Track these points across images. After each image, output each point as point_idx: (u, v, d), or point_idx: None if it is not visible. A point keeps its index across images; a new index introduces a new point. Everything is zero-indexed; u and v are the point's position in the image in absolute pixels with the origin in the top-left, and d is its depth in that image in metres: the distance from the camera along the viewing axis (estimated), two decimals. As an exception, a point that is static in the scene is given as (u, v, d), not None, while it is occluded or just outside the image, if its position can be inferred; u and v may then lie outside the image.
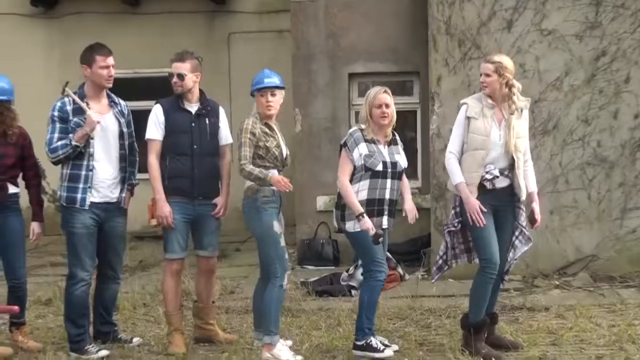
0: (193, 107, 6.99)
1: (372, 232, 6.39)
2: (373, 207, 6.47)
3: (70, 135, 6.64)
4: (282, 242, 6.63)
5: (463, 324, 6.60)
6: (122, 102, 7.16)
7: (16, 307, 6.35)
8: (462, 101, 6.65)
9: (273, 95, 6.66)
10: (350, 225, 6.45)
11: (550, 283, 9.06)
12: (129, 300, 8.56)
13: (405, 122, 10.91)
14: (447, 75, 9.60)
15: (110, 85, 6.95)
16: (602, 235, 9.44)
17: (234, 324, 7.80)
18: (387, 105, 6.55)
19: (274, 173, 6.47)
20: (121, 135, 6.95)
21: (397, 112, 10.55)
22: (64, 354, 6.84)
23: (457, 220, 6.55)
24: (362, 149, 6.45)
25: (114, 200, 6.94)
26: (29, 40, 13.54)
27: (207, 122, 7.02)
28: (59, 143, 6.65)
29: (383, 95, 6.56)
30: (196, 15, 13.52)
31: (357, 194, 6.44)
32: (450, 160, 6.52)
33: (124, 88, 12.86)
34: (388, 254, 9.35)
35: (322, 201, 10.53)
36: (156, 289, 9.03)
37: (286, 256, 6.67)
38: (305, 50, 10.74)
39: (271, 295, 6.58)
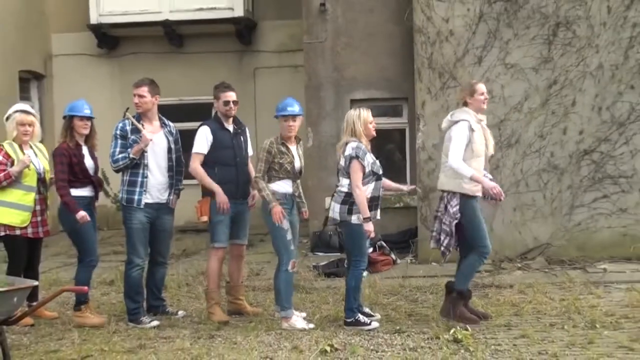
0: (231, 127, 7.03)
1: (372, 235, 6.47)
2: (373, 202, 6.47)
3: (129, 149, 6.70)
4: (289, 236, 6.67)
5: (449, 289, 6.57)
6: (171, 124, 7.20)
7: (85, 288, 6.34)
8: (460, 117, 6.49)
9: (294, 120, 6.70)
10: (356, 218, 6.41)
11: (514, 266, 9.02)
12: (174, 281, 8.55)
13: (396, 138, 10.94)
14: (429, 101, 9.58)
15: (140, 111, 6.96)
16: (555, 227, 9.39)
17: (259, 300, 7.79)
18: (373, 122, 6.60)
19: (277, 206, 6.55)
20: (169, 150, 6.99)
21: (390, 130, 10.73)
22: (123, 324, 6.85)
23: (459, 215, 6.42)
24: (369, 158, 6.44)
25: (164, 201, 6.97)
26: (95, 75, 13.58)
27: (241, 139, 7.10)
28: (120, 156, 6.75)
29: (371, 115, 6.58)
30: (229, 54, 13.52)
31: (366, 192, 6.41)
32: (458, 162, 6.39)
33: (172, 112, 13.07)
34: (383, 242, 9.44)
35: (328, 201, 10.44)
36: (197, 272, 9.04)
37: (292, 247, 6.70)
38: (315, 81, 10.74)
39: (280, 278, 6.65)
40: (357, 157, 6.37)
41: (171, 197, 7.04)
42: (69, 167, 6.77)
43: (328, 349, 5.83)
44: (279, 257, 6.70)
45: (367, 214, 6.36)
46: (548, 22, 9.37)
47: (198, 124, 7.11)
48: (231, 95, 6.98)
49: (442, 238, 6.55)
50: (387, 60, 10.60)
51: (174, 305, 7.59)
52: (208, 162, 6.89)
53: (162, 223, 7.03)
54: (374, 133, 6.58)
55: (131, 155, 6.72)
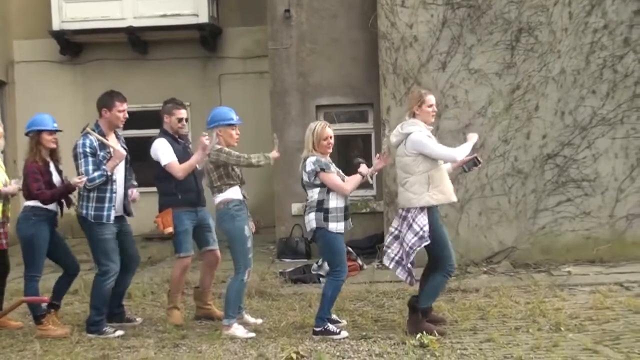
0: (179, 140, 7.11)
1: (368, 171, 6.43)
2: (345, 212, 6.41)
3: (103, 166, 6.58)
4: (249, 244, 6.61)
5: (413, 309, 6.43)
6: (121, 135, 7.09)
7: (46, 298, 6.21)
8: (411, 130, 6.31)
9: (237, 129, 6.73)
10: (333, 226, 6.32)
11: (480, 269, 9.05)
12: (139, 289, 8.44)
13: (362, 143, 10.94)
14: (395, 106, 9.58)
15: (121, 126, 6.92)
16: (519, 231, 9.44)
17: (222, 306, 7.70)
18: (331, 137, 6.47)
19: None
20: (127, 160, 6.90)
21: (356, 135, 10.71)
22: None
23: (428, 235, 6.20)
24: (333, 168, 6.40)
25: (121, 212, 6.90)
26: (58, 82, 13.41)
27: (189, 150, 7.16)
28: (96, 174, 6.58)
29: (328, 130, 6.44)
30: (193, 60, 13.43)
31: (336, 201, 6.34)
32: (450, 150, 6.34)
33: (135, 120, 12.92)
34: (349, 247, 9.41)
35: (295, 207, 10.46)
36: (162, 280, 8.93)
37: (250, 255, 6.65)
38: (281, 87, 10.70)
39: (233, 286, 6.58)
40: (322, 169, 6.29)
41: (132, 199, 6.99)
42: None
43: (294, 356, 5.77)
44: (236, 265, 6.62)
45: (362, 173, 6.36)
46: (511, 28, 9.44)
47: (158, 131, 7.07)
48: (184, 113, 7.08)
49: (404, 260, 6.38)
50: (352, 66, 10.60)
51: (138, 313, 7.49)
52: (167, 173, 6.83)
53: (124, 229, 6.97)
54: (329, 150, 6.46)
55: (108, 172, 6.60)
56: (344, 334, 6.38)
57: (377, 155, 6.78)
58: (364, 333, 6.43)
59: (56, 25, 12.95)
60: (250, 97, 13.19)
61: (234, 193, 6.57)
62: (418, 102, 6.42)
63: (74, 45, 13.42)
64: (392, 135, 6.54)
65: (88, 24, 12.90)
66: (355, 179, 6.42)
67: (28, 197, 6.73)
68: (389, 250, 6.52)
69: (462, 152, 6.37)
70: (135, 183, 7.12)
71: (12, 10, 13.45)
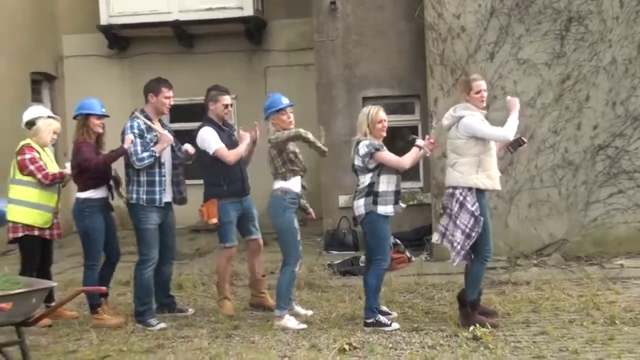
0: (224, 128, 7.17)
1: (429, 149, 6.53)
2: (395, 196, 6.42)
3: (151, 147, 6.64)
4: (299, 236, 6.64)
5: (462, 302, 6.42)
6: (168, 125, 7.24)
7: (103, 288, 6.31)
8: (464, 113, 6.35)
9: (291, 112, 6.76)
10: (382, 209, 6.35)
11: (530, 262, 8.94)
12: (190, 280, 8.55)
13: (409, 135, 10.86)
14: (442, 97, 9.52)
15: (167, 113, 7.04)
16: (570, 223, 9.32)
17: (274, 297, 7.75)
18: (385, 121, 6.53)
19: None
20: (172, 148, 6.97)
21: (402, 127, 10.66)
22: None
23: (479, 212, 6.22)
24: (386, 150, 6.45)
25: (169, 199, 6.98)
26: (106, 76, 13.55)
27: (234, 138, 7.18)
28: (145, 154, 6.65)
29: (382, 114, 6.50)
30: (239, 54, 13.47)
31: (387, 184, 6.36)
32: (499, 130, 6.30)
33: (182, 113, 13.07)
34: (397, 240, 9.39)
35: (343, 199, 10.47)
36: (211, 271, 9.00)
37: (300, 247, 6.68)
38: (327, 80, 10.70)
39: (284, 277, 6.61)
40: (376, 150, 6.32)
41: (182, 195, 7.06)
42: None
43: (346, 347, 5.80)
44: (286, 257, 6.67)
45: (421, 146, 6.43)
46: (560, 17, 9.30)
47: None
48: (228, 99, 7.15)
49: (457, 237, 6.31)
50: (399, 58, 10.55)
51: (190, 304, 7.57)
52: (214, 162, 6.87)
53: (169, 220, 7.05)
54: (383, 134, 6.53)
55: (157, 154, 6.68)
56: (395, 325, 6.38)
57: (427, 137, 6.76)
58: (415, 325, 6.42)
59: (104, 20, 13.09)
60: (295, 89, 13.12)
61: (294, 184, 6.61)
62: (466, 89, 6.44)
63: (122, 40, 13.56)
64: (444, 119, 6.57)
65: (135, 18, 13.00)
66: (413, 152, 6.48)
67: (80, 184, 6.86)
68: (440, 226, 6.50)
69: (511, 128, 6.34)
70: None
71: (61, 6, 13.63)
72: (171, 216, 7.07)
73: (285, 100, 6.74)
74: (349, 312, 6.91)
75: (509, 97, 6.63)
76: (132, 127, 6.70)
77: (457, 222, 6.29)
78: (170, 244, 7.13)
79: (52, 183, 6.95)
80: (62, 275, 8.86)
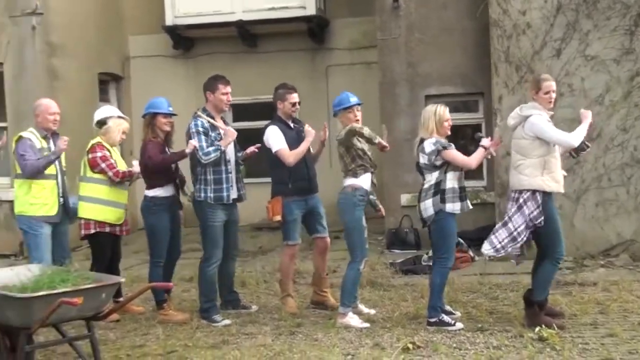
0: (292, 126, 7.18)
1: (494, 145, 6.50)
2: (460, 193, 6.38)
3: (217, 143, 6.73)
4: (365, 234, 6.64)
5: (529, 302, 6.32)
6: (229, 124, 7.29)
7: (171, 284, 6.42)
8: (531, 112, 6.23)
9: (358, 111, 6.71)
10: (450, 207, 6.31)
11: (597, 263, 8.78)
12: (252, 278, 8.63)
13: (472, 134, 10.75)
14: (507, 95, 9.41)
15: (227, 110, 7.04)
16: (639, 223, 9.09)
17: (337, 297, 7.73)
18: (450, 120, 6.51)
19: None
20: (234, 146, 7.04)
21: (466, 125, 10.57)
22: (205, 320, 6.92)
23: (538, 221, 6.14)
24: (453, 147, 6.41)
25: (236, 196, 7.06)
26: (171, 76, 13.74)
27: (303, 136, 7.11)
28: (211, 149, 6.72)
29: (448, 112, 6.49)
30: (301, 53, 13.52)
31: (453, 181, 6.33)
32: (567, 135, 6.17)
33: (246, 112, 13.20)
34: (460, 239, 9.31)
35: (405, 198, 10.44)
36: (273, 269, 9.07)
37: (366, 245, 6.66)
38: (390, 78, 10.68)
39: (349, 275, 6.61)
40: (444, 148, 6.29)
41: (242, 192, 7.12)
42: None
43: (410, 346, 5.78)
44: (352, 254, 6.67)
45: (486, 146, 6.40)
46: (630, 12, 9.09)
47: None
48: (296, 97, 7.16)
49: (501, 234, 6.21)
50: (462, 56, 10.47)
51: (253, 301, 7.65)
52: (280, 160, 6.93)
53: (234, 217, 7.12)
54: (448, 132, 6.50)
55: (222, 148, 6.75)
56: (459, 325, 6.33)
57: (490, 137, 6.69)
58: (480, 325, 6.35)
59: (169, 21, 13.30)
60: (358, 88, 13.00)
61: (365, 181, 6.61)
62: (535, 88, 6.33)
63: (186, 40, 13.75)
64: (510, 118, 6.46)
65: (199, 18, 13.18)
66: (479, 153, 6.44)
67: (147, 182, 7.00)
68: (493, 237, 6.35)
69: (578, 136, 6.20)
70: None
71: (128, 8, 13.89)
72: (235, 213, 7.14)
73: (353, 99, 6.77)
74: (412, 311, 6.88)
75: (582, 110, 6.47)
76: (195, 125, 6.78)
77: (509, 224, 6.21)
78: (233, 241, 7.21)
79: (122, 181, 7.12)
80: (128, 271, 9.05)
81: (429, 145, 6.34)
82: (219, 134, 6.81)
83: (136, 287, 7.50)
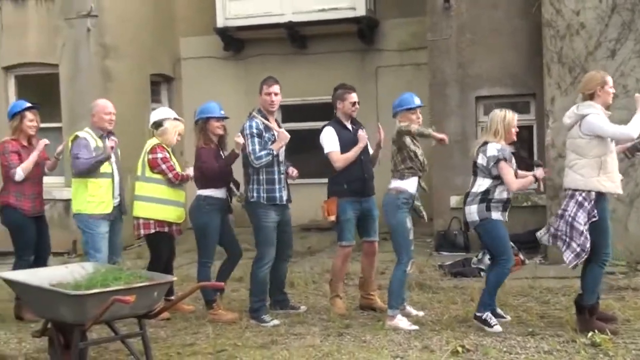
0: (350, 127, 7.16)
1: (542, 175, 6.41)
2: (505, 204, 6.34)
3: (269, 146, 6.76)
4: (411, 236, 6.62)
5: (580, 307, 6.22)
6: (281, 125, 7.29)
7: (222, 284, 6.47)
8: (588, 111, 6.09)
9: (420, 113, 6.72)
10: (495, 215, 6.29)
11: (651, 268, 8.61)
12: (301, 278, 8.64)
13: (523, 136, 10.62)
14: (559, 96, 9.28)
15: (274, 110, 7.02)
16: (696, 227, 8.90)
17: (385, 298, 7.71)
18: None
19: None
20: (285, 148, 7.06)
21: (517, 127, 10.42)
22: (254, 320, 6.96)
23: (596, 212, 6.06)
24: (513, 162, 6.34)
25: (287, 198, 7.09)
26: (222, 78, 13.88)
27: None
28: (263, 152, 6.75)
29: (516, 119, 6.45)
30: (351, 54, 13.51)
31: (502, 192, 6.30)
32: (622, 129, 6.01)
33: (295, 113, 13.24)
34: (511, 242, 9.19)
35: (454, 200, 10.36)
36: (322, 270, 9.10)
37: (412, 247, 6.65)
38: (440, 79, 10.63)
39: (396, 277, 6.61)
40: (504, 159, 6.23)
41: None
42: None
43: (459, 349, 5.73)
44: (399, 256, 6.65)
45: (538, 177, 6.36)
46: (687, 12, 8.89)
47: (322, 123, 7.22)
48: (355, 96, 7.13)
49: (576, 238, 6.11)
50: (513, 56, 10.35)
51: (302, 302, 7.67)
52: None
53: (286, 218, 7.13)
54: (514, 138, 6.45)
55: (275, 152, 6.79)
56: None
57: (545, 169, 6.65)
58: (530, 329, 6.27)
59: (220, 23, 13.43)
60: (407, 89, 12.85)
61: (411, 184, 6.60)
62: (601, 84, 6.20)
63: (237, 42, 13.86)
64: (566, 117, 6.34)
65: (250, 20, 13.27)
66: (527, 180, 6.41)
67: (201, 184, 7.08)
68: (551, 228, 6.28)
69: (636, 127, 6.04)
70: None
71: (179, 10, 14.07)
72: (287, 214, 7.16)
73: (417, 101, 6.77)
74: (461, 314, 6.82)
75: (637, 94, 6.32)
76: (250, 126, 6.81)
77: (574, 223, 6.07)
78: (286, 242, 7.21)
79: (180, 183, 7.22)
80: (178, 270, 9.11)
81: (492, 149, 6.27)
82: (273, 134, 6.84)
83: (186, 286, 7.61)
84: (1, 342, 6.59)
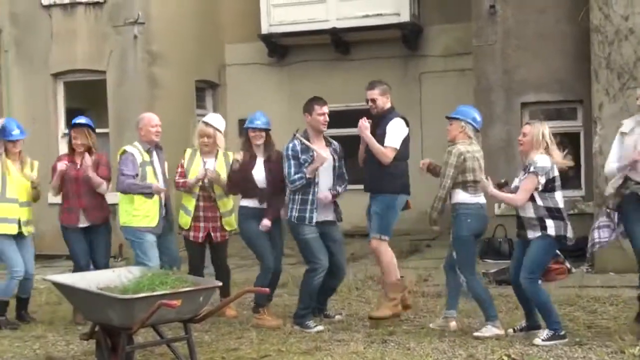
0: None
1: None
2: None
3: (303, 169, 6.79)
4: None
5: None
6: (336, 143, 7.23)
7: (267, 289, 6.49)
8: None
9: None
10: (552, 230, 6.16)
11: None
12: (345, 285, 8.56)
13: (570, 142, 10.50)
14: (607, 103, 9.13)
15: (325, 129, 7.06)
16: None
17: (429, 306, 7.69)
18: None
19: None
20: (334, 168, 7.04)
21: (563, 134, 10.31)
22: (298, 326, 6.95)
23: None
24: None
25: (330, 218, 7.05)
26: (266, 84, 13.95)
27: None
28: (296, 177, 6.81)
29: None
30: (394, 59, 13.47)
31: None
32: (610, 165, 6.22)
33: (338, 119, 13.21)
34: (557, 250, 9.06)
35: (498, 207, 10.25)
36: (365, 276, 9.07)
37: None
38: (485, 85, 10.54)
39: (477, 287, 6.60)
40: (534, 173, 6.12)
41: (336, 214, 7.13)
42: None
43: (505, 358, 5.67)
44: (462, 269, 6.57)
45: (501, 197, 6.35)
46: None
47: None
48: (368, 94, 7.16)
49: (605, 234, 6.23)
50: (560, 62, 10.22)
51: (345, 308, 7.67)
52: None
53: (332, 235, 7.10)
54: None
55: (307, 175, 6.79)
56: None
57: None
58: (577, 339, 6.17)
59: (265, 29, 13.50)
60: (451, 95, 13.00)
61: (460, 195, 6.52)
62: None
63: (281, 48, 13.92)
64: (625, 125, 6.29)
65: (294, 27, 13.32)
66: (501, 197, 6.40)
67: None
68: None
69: (615, 166, 6.06)
70: (339, 189, 7.06)
71: (225, 16, 14.18)
72: (332, 231, 7.08)
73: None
74: (506, 322, 6.73)
75: None
76: (287, 148, 6.90)
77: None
78: (339, 261, 7.13)
79: (183, 190, 7.46)
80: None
81: (544, 161, 6.16)
82: (311, 155, 6.84)
83: (232, 291, 7.64)
84: (49, 344, 6.70)
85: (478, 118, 6.71)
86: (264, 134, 7.19)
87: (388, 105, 7.02)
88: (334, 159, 7.05)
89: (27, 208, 7.42)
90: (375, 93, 6.97)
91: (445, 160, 6.46)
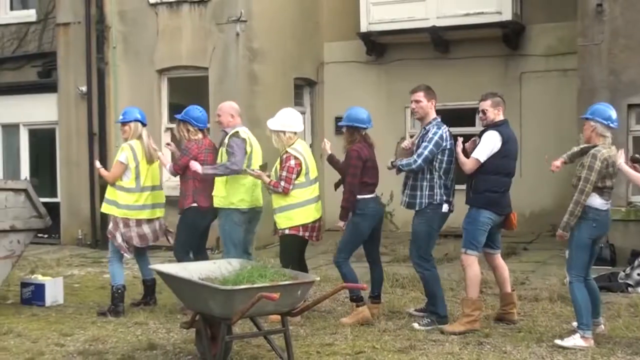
0: None
1: None
2: None
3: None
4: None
5: None
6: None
7: (364, 285, 6.52)
8: None
9: None
10: None
11: None
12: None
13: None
14: None
15: (417, 117, 7.19)
16: None
17: (526, 310, 7.53)
18: None
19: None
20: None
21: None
22: (392, 324, 6.94)
23: None
24: None
25: None
26: (363, 82, 13.96)
27: None
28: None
29: None
30: (494, 59, 13.27)
31: None
32: None
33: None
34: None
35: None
36: (460, 277, 8.95)
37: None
38: (590, 85, 10.25)
39: (580, 291, 6.29)
40: None
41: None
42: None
43: (603, 368, 5.52)
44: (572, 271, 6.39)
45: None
46: None
47: (462, 129, 7.12)
48: (480, 105, 7.00)
49: None
50: (672, 61, 9.85)
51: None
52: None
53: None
54: None
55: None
56: None
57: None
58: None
59: (364, 27, 13.52)
60: (552, 95, 12.76)
61: (596, 200, 6.23)
62: None
63: (379, 46, 13.91)
64: None
65: (393, 25, 13.28)
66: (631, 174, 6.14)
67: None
68: None
69: None
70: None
71: (324, 14, 14.29)
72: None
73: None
74: (609, 332, 6.54)
75: None
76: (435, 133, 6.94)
77: None
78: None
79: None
80: (315, 270, 9.29)
81: None
82: (452, 142, 6.91)
83: (325, 287, 7.72)
84: (151, 331, 6.92)
85: (613, 116, 6.37)
86: None
87: (499, 117, 6.85)
88: None
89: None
90: (487, 104, 6.87)
91: (589, 164, 6.14)
